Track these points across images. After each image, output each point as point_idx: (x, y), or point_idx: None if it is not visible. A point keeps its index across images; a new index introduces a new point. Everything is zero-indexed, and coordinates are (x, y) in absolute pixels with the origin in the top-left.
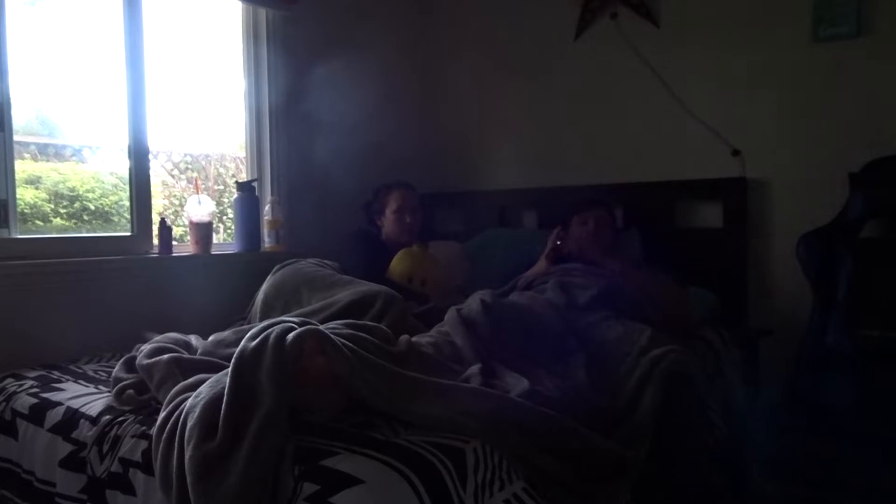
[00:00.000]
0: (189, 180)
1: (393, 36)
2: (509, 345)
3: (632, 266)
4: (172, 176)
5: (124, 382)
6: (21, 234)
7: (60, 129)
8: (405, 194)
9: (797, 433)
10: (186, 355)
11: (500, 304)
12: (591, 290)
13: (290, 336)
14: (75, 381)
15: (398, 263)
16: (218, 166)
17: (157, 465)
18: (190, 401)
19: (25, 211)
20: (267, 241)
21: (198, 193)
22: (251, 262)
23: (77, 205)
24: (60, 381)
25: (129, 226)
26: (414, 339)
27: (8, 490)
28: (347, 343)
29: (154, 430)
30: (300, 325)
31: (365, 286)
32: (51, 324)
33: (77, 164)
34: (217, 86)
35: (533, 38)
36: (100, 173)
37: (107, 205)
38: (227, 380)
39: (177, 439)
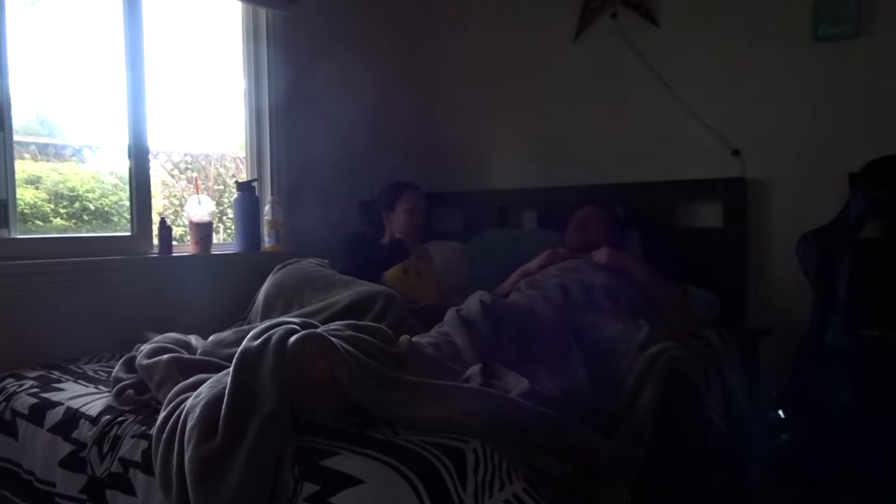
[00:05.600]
0: (189, 180)
1: (393, 36)
2: (509, 345)
3: (643, 268)
4: (172, 176)
5: (124, 382)
6: (21, 234)
7: (60, 129)
8: (418, 194)
9: (797, 433)
10: (186, 355)
11: (498, 304)
12: (589, 288)
13: (292, 339)
14: (75, 381)
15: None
16: (218, 166)
17: (157, 465)
18: (190, 401)
19: (25, 211)
20: (267, 241)
21: (198, 193)
22: (251, 262)
23: (77, 205)
24: (60, 381)
25: (129, 226)
26: (414, 339)
27: (8, 490)
28: (348, 347)
29: (154, 430)
30: (301, 325)
31: (365, 286)
32: (51, 324)
33: (77, 164)
34: (217, 86)
35: (533, 38)
36: (100, 173)
37: (107, 205)
38: (228, 380)
39: (177, 439)
